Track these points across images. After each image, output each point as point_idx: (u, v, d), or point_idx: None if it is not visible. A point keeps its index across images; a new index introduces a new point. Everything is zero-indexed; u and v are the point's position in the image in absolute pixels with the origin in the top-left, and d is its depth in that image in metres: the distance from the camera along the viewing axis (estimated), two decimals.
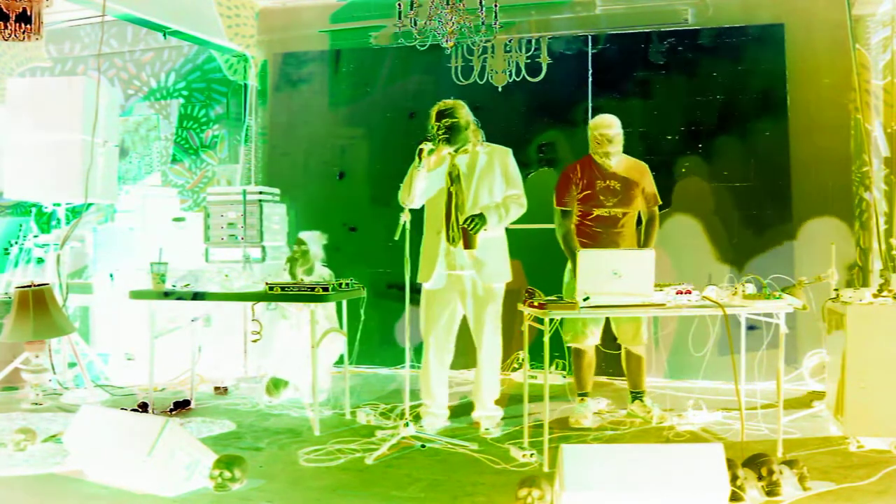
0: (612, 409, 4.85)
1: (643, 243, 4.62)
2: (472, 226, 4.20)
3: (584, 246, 4.53)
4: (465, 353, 4.75)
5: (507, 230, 4.48)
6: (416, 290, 4.24)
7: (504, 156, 4.41)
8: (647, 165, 4.67)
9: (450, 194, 4.32)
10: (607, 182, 4.54)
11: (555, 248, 5.92)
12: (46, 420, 4.65)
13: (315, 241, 5.28)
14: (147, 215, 6.47)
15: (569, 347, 4.66)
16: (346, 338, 4.89)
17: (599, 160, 4.55)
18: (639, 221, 4.72)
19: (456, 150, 4.34)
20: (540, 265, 5.88)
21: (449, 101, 4.37)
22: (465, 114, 4.35)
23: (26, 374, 5.21)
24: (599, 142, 4.54)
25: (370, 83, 6.62)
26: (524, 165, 6.12)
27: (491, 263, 4.33)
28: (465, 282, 4.35)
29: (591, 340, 4.54)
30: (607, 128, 4.53)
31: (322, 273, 5.21)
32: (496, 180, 4.36)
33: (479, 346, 4.42)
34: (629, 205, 4.57)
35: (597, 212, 4.56)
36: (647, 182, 4.63)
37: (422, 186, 4.25)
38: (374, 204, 6.42)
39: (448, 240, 4.31)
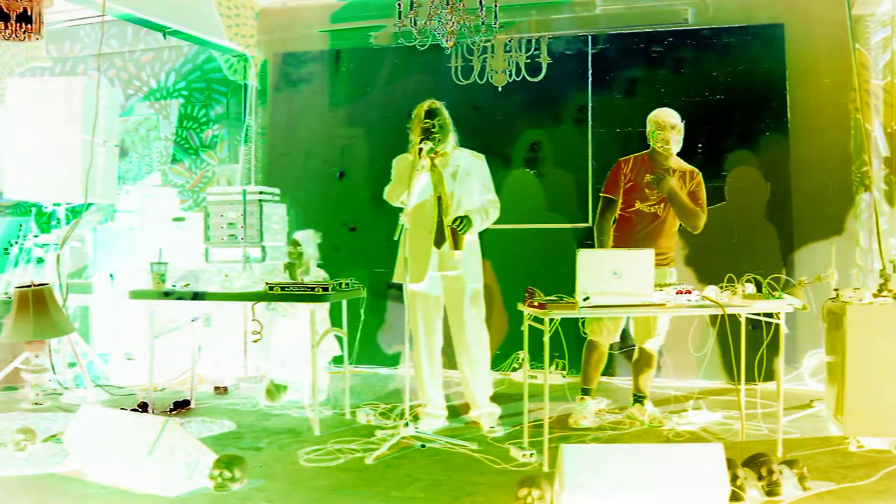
0: (611, 408, 4.85)
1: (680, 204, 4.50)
2: (460, 227, 4.22)
3: (618, 240, 4.54)
4: (446, 354, 4.74)
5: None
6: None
7: (481, 161, 4.49)
8: (700, 173, 4.58)
9: (438, 196, 4.34)
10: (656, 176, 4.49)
11: (551, 247, 5.95)
12: (46, 420, 4.65)
13: (309, 240, 5.27)
14: (147, 215, 6.47)
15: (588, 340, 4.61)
16: (345, 337, 4.88)
17: (660, 149, 4.47)
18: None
19: (437, 152, 4.34)
20: (536, 264, 5.90)
21: (436, 102, 4.40)
22: (447, 114, 4.40)
23: (26, 374, 5.21)
24: (662, 127, 4.46)
25: (370, 83, 6.62)
26: (522, 165, 6.16)
27: (472, 265, 4.41)
28: (450, 283, 4.38)
29: (606, 338, 4.52)
30: (670, 116, 4.49)
31: (318, 274, 5.20)
32: (476, 185, 4.43)
33: (467, 345, 4.42)
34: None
35: (638, 205, 4.50)
36: (697, 188, 4.53)
37: (422, 185, 4.26)
38: (374, 204, 6.41)
39: (434, 242, 4.33)
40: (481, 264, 4.52)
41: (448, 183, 4.34)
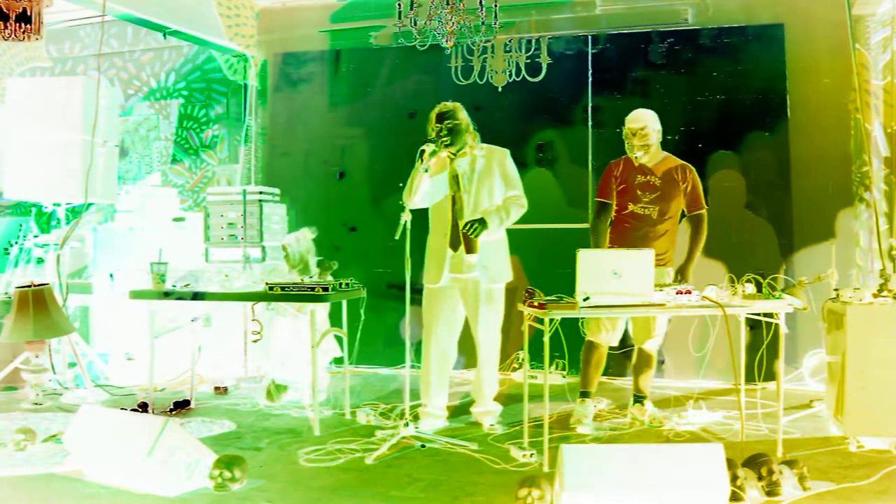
0: (611, 408, 4.85)
1: (689, 251, 4.49)
2: (472, 231, 4.22)
3: (613, 241, 4.52)
4: (465, 354, 4.75)
5: (507, 230, 4.50)
6: (416, 290, 4.24)
7: (502, 157, 4.43)
8: (692, 167, 4.55)
9: (452, 199, 4.34)
10: (647, 178, 4.46)
11: (552, 247, 5.94)
12: (46, 420, 4.64)
13: (298, 240, 5.24)
14: (147, 215, 6.47)
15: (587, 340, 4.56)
16: (345, 337, 4.88)
17: (629, 153, 4.49)
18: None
19: (455, 153, 4.35)
20: (537, 264, 5.90)
21: (449, 104, 4.39)
22: (464, 116, 4.38)
23: (26, 374, 5.21)
24: (626, 135, 4.50)
25: (370, 83, 6.62)
26: (523, 165, 6.15)
27: (493, 265, 4.37)
28: (468, 283, 4.37)
29: (606, 337, 4.46)
30: (633, 121, 4.48)
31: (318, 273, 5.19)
32: (495, 182, 4.39)
33: (479, 345, 4.43)
34: (668, 204, 4.45)
35: (632, 207, 4.47)
36: (691, 183, 4.50)
37: (424, 188, 4.26)
38: (374, 204, 6.43)
39: (450, 245, 4.33)
40: (508, 263, 4.48)
41: (463, 183, 4.34)
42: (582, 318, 4.45)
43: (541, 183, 6.13)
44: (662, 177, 4.47)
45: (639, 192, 4.47)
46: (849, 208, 5.61)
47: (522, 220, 4.51)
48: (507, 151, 4.47)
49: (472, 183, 4.34)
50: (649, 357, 4.62)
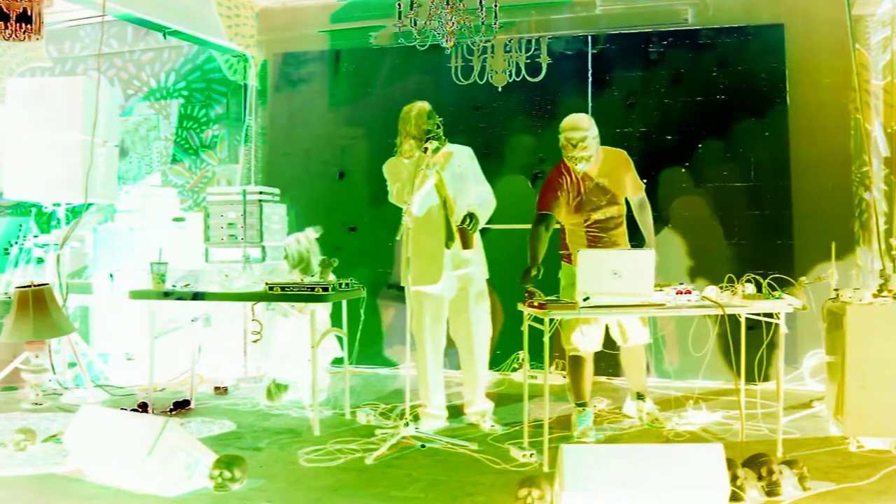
0: (611, 408, 4.84)
1: (647, 235, 4.47)
2: (469, 226, 4.22)
3: None
4: (452, 353, 4.72)
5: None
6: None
7: (470, 155, 4.49)
8: (625, 152, 4.46)
9: (442, 198, 4.35)
10: (596, 180, 4.33)
11: (551, 247, 5.93)
12: (46, 420, 4.65)
13: (299, 240, 5.23)
14: (147, 215, 6.47)
15: (570, 356, 4.42)
16: (345, 337, 4.88)
17: (570, 165, 4.30)
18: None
19: (429, 151, 4.32)
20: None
21: (427, 104, 4.39)
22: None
23: (26, 374, 5.21)
24: (564, 146, 4.27)
25: (370, 83, 6.62)
26: (523, 165, 6.16)
27: (478, 264, 4.44)
28: (461, 281, 4.39)
29: (584, 343, 4.30)
30: (571, 131, 4.23)
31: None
32: (469, 180, 4.43)
33: (472, 341, 4.43)
34: (622, 199, 4.40)
35: (594, 216, 4.34)
36: (632, 169, 4.42)
37: (429, 186, 4.26)
38: (374, 204, 6.42)
39: (444, 243, 4.33)
40: (485, 260, 4.53)
41: (448, 183, 4.35)
42: (561, 327, 4.28)
43: (541, 183, 6.12)
44: (608, 175, 4.35)
45: (594, 199, 4.34)
46: (849, 208, 5.60)
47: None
48: (470, 149, 4.49)
49: (452, 181, 4.36)
50: (636, 353, 4.53)
